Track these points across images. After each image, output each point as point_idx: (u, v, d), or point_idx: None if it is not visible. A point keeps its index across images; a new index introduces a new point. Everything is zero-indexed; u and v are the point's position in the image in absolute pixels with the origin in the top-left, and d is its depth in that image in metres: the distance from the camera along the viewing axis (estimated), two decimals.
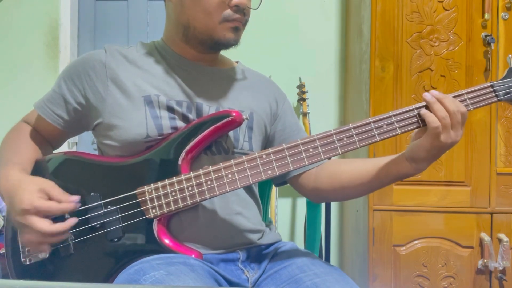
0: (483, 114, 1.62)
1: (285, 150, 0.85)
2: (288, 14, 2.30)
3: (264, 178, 0.85)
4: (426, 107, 0.82)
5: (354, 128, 0.84)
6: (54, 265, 0.85)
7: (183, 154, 0.87)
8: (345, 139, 0.84)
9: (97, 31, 2.43)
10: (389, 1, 1.64)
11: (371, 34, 1.66)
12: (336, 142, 0.84)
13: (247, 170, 0.85)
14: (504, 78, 0.85)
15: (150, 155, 0.88)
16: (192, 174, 0.85)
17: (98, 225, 0.85)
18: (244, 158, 0.85)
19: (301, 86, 2.18)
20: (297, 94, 2.20)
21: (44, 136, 0.98)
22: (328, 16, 2.29)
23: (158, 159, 0.88)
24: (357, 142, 0.84)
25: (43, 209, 0.78)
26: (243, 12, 0.91)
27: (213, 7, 0.88)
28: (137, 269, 0.78)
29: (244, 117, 0.89)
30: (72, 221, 0.81)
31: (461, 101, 0.82)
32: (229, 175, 0.85)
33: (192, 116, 0.91)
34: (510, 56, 0.88)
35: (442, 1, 1.62)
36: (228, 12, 0.89)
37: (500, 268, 1.58)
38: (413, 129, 0.83)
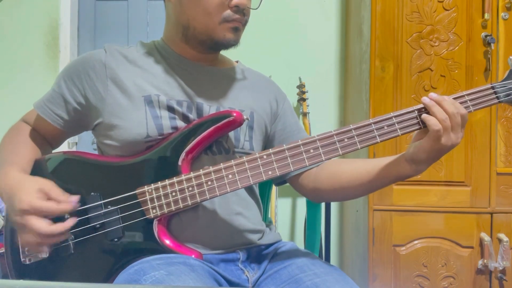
0: (483, 114, 1.62)
1: (286, 151, 0.85)
2: (288, 14, 2.30)
3: (264, 179, 0.85)
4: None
5: (355, 129, 0.84)
6: (54, 265, 0.85)
7: (183, 155, 0.87)
8: (345, 139, 0.84)
9: (97, 31, 2.43)
10: (389, 1, 1.64)
11: (371, 34, 1.66)
12: (337, 142, 0.84)
13: (248, 170, 0.85)
14: (505, 79, 0.85)
15: (150, 155, 0.88)
16: (192, 175, 0.85)
17: (98, 225, 0.85)
18: (245, 158, 0.85)
19: (301, 86, 2.18)
20: (297, 94, 2.20)
21: (44, 135, 0.98)
22: (328, 16, 2.29)
23: (159, 159, 0.88)
24: (357, 143, 0.84)
25: (42, 210, 0.78)
26: (243, 12, 0.91)
27: (213, 8, 0.88)
28: (137, 269, 0.78)
29: (245, 117, 0.89)
30: (71, 222, 0.81)
31: (462, 103, 0.82)
32: (230, 176, 0.85)
33: (192, 116, 0.91)
34: (511, 57, 0.88)
35: (442, 1, 1.62)
36: (228, 12, 0.89)
37: (500, 268, 1.58)
38: (414, 130, 0.83)
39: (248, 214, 0.95)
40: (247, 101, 0.99)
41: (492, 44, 1.58)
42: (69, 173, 0.90)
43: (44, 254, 0.84)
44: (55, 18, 2.34)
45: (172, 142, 0.88)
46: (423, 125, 0.82)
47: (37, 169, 0.90)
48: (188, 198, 0.85)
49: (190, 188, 0.85)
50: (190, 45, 0.95)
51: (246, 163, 0.85)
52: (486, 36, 1.59)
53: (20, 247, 0.86)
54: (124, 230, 0.85)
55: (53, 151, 0.99)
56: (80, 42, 2.43)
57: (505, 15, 1.60)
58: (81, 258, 0.85)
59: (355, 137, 0.84)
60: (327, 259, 1.84)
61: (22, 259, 0.85)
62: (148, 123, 0.88)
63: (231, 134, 0.93)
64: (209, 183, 0.85)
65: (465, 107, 0.82)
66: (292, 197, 2.29)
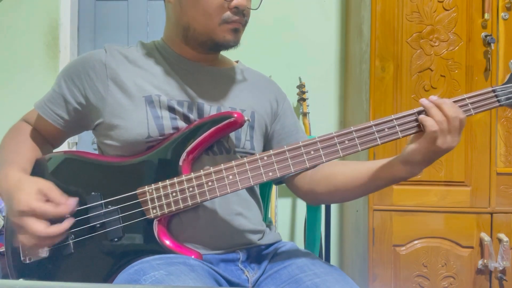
0: (483, 114, 1.62)
1: (287, 152, 0.85)
2: (288, 14, 2.30)
3: (265, 180, 0.85)
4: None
5: (355, 130, 0.84)
6: (54, 265, 0.85)
7: (184, 155, 0.87)
8: (346, 141, 0.84)
9: (97, 31, 2.43)
10: (389, 1, 1.64)
11: (371, 34, 1.66)
12: (338, 144, 0.84)
13: (248, 171, 0.85)
14: (506, 83, 0.86)
15: (151, 155, 0.88)
16: (193, 175, 0.85)
17: (98, 225, 0.85)
18: (245, 159, 0.85)
19: (301, 86, 2.18)
20: (297, 94, 2.20)
21: (44, 135, 0.98)
22: (328, 16, 2.29)
23: (159, 159, 0.88)
24: (358, 145, 0.84)
25: (40, 211, 0.78)
26: (242, 13, 0.91)
27: (213, 9, 0.88)
28: (137, 269, 0.78)
29: (246, 118, 0.89)
30: (68, 224, 0.81)
31: (463, 105, 0.83)
32: (230, 176, 0.85)
33: (193, 116, 0.91)
34: None
35: (442, 1, 1.62)
36: (227, 14, 0.89)
37: (500, 268, 1.59)
38: (414, 132, 0.83)
39: (249, 215, 0.95)
40: (248, 101, 0.99)
41: (492, 44, 1.58)
42: (69, 173, 0.90)
43: (44, 254, 0.84)
44: (55, 18, 2.34)
45: (173, 142, 0.88)
46: (424, 128, 0.82)
47: (38, 169, 0.90)
48: (189, 198, 0.85)
49: (191, 189, 0.85)
50: (190, 46, 0.95)
51: (246, 164, 0.85)
52: (486, 36, 1.59)
53: (20, 246, 0.86)
54: (124, 230, 0.85)
55: (54, 151, 0.99)
56: (80, 42, 2.43)
57: (505, 15, 1.60)
58: (81, 257, 0.85)
59: (356, 139, 0.84)
60: (327, 259, 1.84)
61: (22, 258, 0.85)
62: (149, 123, 0.88)
63: (232, 133, 0.93)
64: (210, 183, 0.85)
65: (466, 110, 0.83)
66: (292, 197, 2.29)
